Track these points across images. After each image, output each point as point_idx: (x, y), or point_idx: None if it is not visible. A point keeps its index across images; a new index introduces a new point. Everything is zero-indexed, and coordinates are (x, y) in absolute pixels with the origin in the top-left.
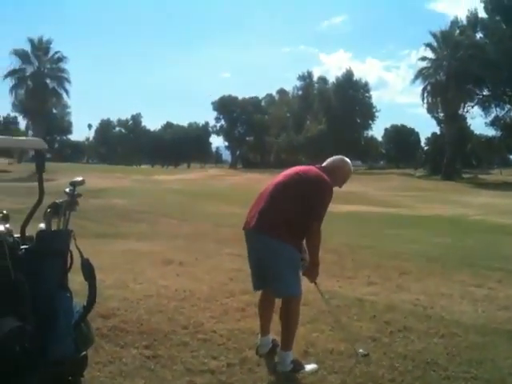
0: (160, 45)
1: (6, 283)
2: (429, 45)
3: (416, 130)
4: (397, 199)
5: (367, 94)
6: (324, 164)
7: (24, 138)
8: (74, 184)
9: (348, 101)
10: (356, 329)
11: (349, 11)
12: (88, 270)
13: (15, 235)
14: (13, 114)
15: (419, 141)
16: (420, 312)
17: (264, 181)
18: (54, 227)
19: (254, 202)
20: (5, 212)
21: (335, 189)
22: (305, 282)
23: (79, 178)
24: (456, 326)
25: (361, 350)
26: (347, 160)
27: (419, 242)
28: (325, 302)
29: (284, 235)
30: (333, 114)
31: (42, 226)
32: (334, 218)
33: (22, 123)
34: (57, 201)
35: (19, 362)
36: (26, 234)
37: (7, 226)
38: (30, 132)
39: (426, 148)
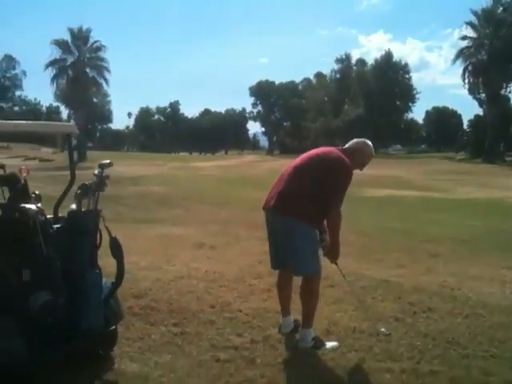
0: (197, 32)
1: (39, 259)
2: (470, 23)
3: (458, 112)
4: (435, 183)
5: (407, 76)
6: (346, 146)
7: (55, 122)
8: (102, 166)
9: (387, 83)
10: (380, 309)
11: None
12: (116, 248)
13: (48, 216)
14: (55, 104)
15: (462, 123)
16: (446, 293)
17: None
18: (84, 207)
19: (275, 183)
20: (37, 192)
21: (372, 173)
22: (330, 263)
23: (107, 161)
24: (481, 306)
25: (383, 329)
26: (369, 143)
27: (453, 226)
28: (347, 283)
29: (300, 214)
30: (371, 97)
31: (73, 206)
32: (368, 201)
33: (64, 113)
34: (86, 182)
35: (51, 334)
36: (59, 215)
37: (39, 205)
38: (72, 121)
39: (468, 131)
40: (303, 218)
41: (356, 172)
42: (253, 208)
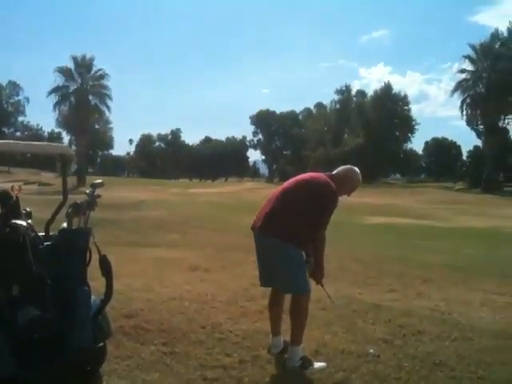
0: (199, 63)
1: (28, 275)
2: (468, 57)
3: (458, 143)
4: (432, 211)
5: (406, 107)
6: (334, 172)
7: (50, 143)
8: (93, 186)
9: (386, 114)
10: (370, 331)
11: (389, 25)
12: (105, 266)
13: (40, 234)
14: (57, 130)
15: (461, 154)
16: (437, 317)
17: None
18: (75, 226)
19: (264, 205)
20: (28, 209)
21: (371, 201)
22: (326, 289)
23: (99, 181)
24: (470, 330)
25: (371, 351)
26: (357, 170)
27: (448, 253)
28: (331, 302)
29: (286, 236)
30: (371, 127)
31: (65, 224)
32: (364, 228)
33: (66, 139)
34: (77, 201)
35: (39, 350)
36: (50, 233)
37: (29, 221)
38: (73, 147)
39: (467, 161)
40: (290, 240)
41: (355, 200)
42: (249, 233)
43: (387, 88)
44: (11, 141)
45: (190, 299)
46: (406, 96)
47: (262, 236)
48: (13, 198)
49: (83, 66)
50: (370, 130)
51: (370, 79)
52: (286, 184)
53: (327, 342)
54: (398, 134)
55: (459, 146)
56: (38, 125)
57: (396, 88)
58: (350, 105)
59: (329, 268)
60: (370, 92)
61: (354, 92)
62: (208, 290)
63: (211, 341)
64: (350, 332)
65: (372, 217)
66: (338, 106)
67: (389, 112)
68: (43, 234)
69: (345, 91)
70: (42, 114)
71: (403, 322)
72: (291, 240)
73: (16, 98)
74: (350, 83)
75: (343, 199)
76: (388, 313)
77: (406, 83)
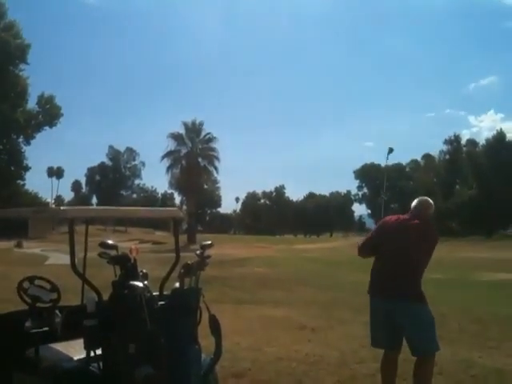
0: (303, 120)
1: (143, 334)
2: None
3: None
4: None
5: None
6: (414, 209)
7: (161, 208)
8: (203, 247)
9: (501, 163)
10: None
11: (497, 72)
12: (215, 326)
13: (154, 293)
14: (170, 191)
15: None
16: None
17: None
18: (186, 286)
19: (381, 267)
20: (144, 271)
21: (488, 256)
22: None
23: (208, 242)
24: None
25: None
26: (429, 199)
27: None
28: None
29: (417, 295)
30: (484, 178)
31: (177, 284)
32: (482, 286)
33: (178, 199)
34: (188, 262)
35: None
36: (164, 292)
37: (146, 282)
38: (184, 207)
39: None
40: (421, 299)
41: (470, 255)
42: (358, 291)
43: (500, 136)
44: (131, 207)
45: (297, 360)
46: None
47: (389, 300)
48: (131, 260)
49: (193, 130)
50: (484, 181)
51: (480, 127)
52: (403, 239)
53: None
54: None
55: None
56: (152, 186)
57: (510, 135)
58: (460, 155)
59: (445, 329)
60: (481, 141)
61: (463, 141)
62: (315, 350)
63: None
64: None
65: (490, 273)
66: (447, 156)
67: (504, 161)
68: (157, 293)
69: (454, 141)
70: (156, 177)
71: None
72: (421, 298)
73: (133, 163)
74: (459, 133)
75: (456, 254)
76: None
77: None
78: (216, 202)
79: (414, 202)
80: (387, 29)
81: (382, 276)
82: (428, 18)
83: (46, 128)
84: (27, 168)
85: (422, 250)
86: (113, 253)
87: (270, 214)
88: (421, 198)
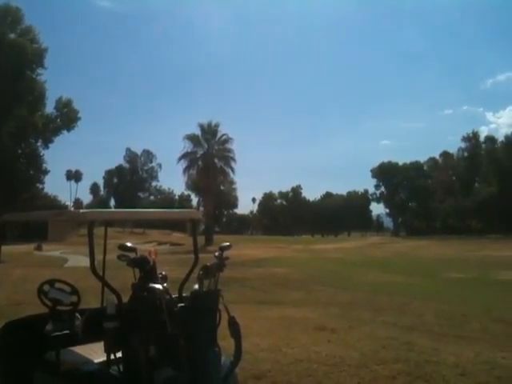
0: (319, 119)
1: (163, 336)
2: None
3: None
4: None
5: None
6: None
7: (179, 209)
8: (222, 249)
9: None
10: None
11: None
12: (234, 328)
13: (174, 295)
14: (186, 192)
15: None
16: None
17: (429, 248)
18: (205, 288)
19: None
20: (163, 273)
21: (505, 254)
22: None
23: (226, 244)
24: None
25: None
26: None
27: None
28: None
29: None
30: (505, 174)
31: (196, 286)
32: (505, 285)
33: (195, 200)
34: (207, 264)
35: None
36: (183, 294)
37: (165, 285)
38: (201, 208)
39: None
40: None
41: (491, 253)
42: (377, 291)
43: None
44: (149, 210)
45: (318, 361)
46: None
47: None
48: (150, 263)
49: (209, 132)
50: (505, 177)
51: (498, 124)
52: None
53: None
54: None
55: None
56: (169, 188)
57: None
58: (479, 152)
59: (466, 329)
60: (500, 137)
61: (481, 138)
62: (336, 351)
63: None
64: None
65: (510, 271)
66: (465, 153)
67: None
68: (176, 295)
69: (472, 138)
70: (173, 178)
71: None
72: None
73: (150, 165)
74: (477, 129)
75: (476, 253)
76: None
77: None
78: (233, 202)
79: None
80: (403, 25)
81: None
82: (444, 13)
83: (64, 132)
84: (46, 171)
85: None
86: (132, 255)
87: (286, 215)
88: None
